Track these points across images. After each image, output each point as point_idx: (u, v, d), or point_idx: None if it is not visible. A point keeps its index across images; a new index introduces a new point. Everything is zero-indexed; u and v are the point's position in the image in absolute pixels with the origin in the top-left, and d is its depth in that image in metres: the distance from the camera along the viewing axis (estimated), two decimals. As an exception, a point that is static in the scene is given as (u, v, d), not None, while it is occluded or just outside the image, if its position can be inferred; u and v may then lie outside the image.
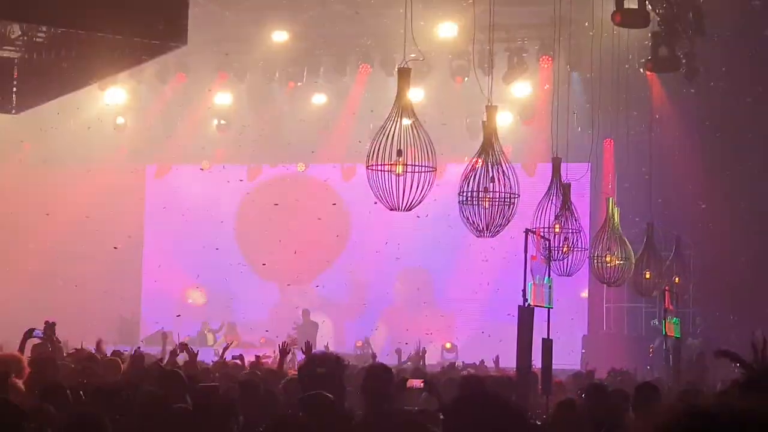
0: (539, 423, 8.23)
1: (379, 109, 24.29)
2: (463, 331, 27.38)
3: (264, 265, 28.70)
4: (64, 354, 13.70)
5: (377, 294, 28.57)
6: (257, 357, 15.09)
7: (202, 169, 29.72)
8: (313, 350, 11.72)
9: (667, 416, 2.55)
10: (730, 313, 23.91)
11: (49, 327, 13.38)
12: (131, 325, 28.33)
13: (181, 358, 13.50)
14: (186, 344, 12.46)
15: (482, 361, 20.06)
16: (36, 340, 13.36)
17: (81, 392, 8.72)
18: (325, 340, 25.18)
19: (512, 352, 12.08)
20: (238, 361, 14.92)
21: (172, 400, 7.86)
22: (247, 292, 28.93)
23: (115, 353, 13.90)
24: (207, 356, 16.69)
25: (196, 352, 13.83)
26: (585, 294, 26.22)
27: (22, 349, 12.42)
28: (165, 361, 12.85)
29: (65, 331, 18.99)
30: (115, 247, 27.97)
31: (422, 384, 9.49)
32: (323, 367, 7.57)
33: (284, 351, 11.77)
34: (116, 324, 28.10)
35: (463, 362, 20.76)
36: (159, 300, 30.04)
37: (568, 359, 19.88)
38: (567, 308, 21.63)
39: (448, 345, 26.55)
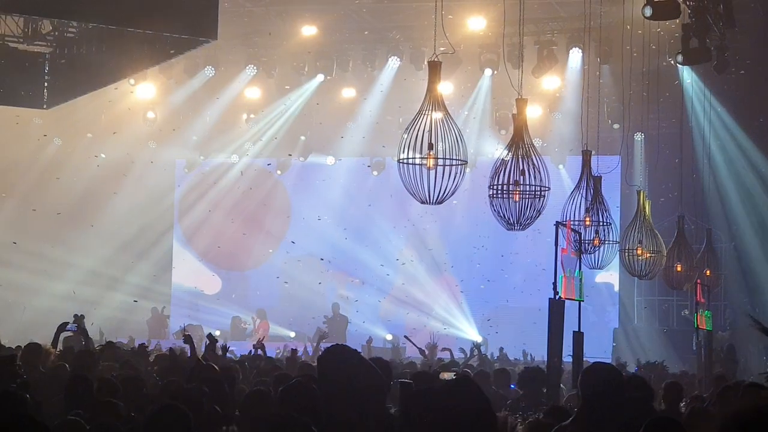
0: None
1: (409, 102, 24.43)
2: (492, 324, 27.37)
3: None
4: (96, 346, 13.75)
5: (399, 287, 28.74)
6: (293, 351, 15.02)
7: (233, 163, 29.89)
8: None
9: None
10: (756, 306, 23.82)
11: (79, 319, 13.44)
12: (162, 318, 28.47)
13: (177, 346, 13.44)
14: (189, 335, 12.40)
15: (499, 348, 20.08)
16: (69, 334, 13.46)
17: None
18: (353, 334, 25.27)
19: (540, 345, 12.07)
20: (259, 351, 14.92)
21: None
22: (275, 284, 29.03)
23: (142, 347, 13.89)
24: (241, 351, 16.73)
25: (227, 346, 13.84)
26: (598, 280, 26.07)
27: (55, 343, 12.49)
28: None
29: (98, 325, 19.22)
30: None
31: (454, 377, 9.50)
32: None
33: None
34: (146, 317, 28.27)
35: (492, 354, 20.76)
36: (188, 293, 30.26)
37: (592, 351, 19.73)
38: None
39: (479, 339, 26.54)
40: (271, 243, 29.73)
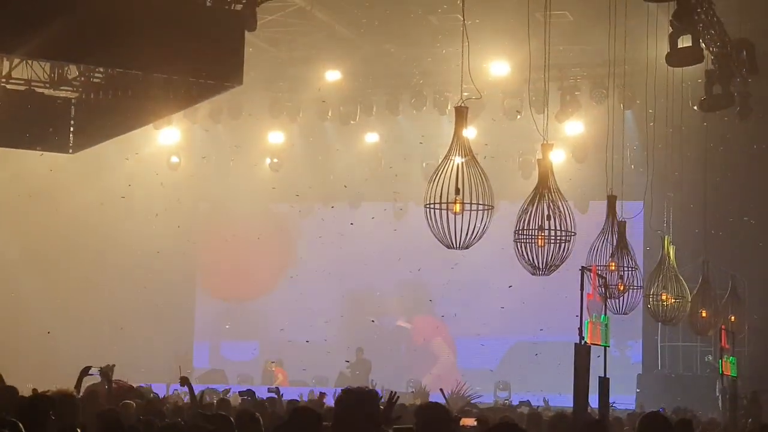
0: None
1: (432, 147, 24.46)
2: (514, 368, 27.18)
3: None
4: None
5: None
6: (321, 394, 14.86)
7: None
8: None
9: None
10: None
11: (109, 369, 13.27)
12: (184, 362, 28.38)
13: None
14: (186, 378, 12.27)
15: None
16: (93, 379, 13.37)
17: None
18: (377, 379, 25.12)
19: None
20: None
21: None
22: (300, 327, 28.98)
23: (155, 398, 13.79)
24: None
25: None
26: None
27: (78, 387, 12.44)
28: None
29: (120, 370, 19.12)
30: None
31: (475, 423, 9.44)
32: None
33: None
34: (168, 362, 28.20)
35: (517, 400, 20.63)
36: (210, 337, 30.31)
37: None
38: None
39: (500, 384, 26.39)
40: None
